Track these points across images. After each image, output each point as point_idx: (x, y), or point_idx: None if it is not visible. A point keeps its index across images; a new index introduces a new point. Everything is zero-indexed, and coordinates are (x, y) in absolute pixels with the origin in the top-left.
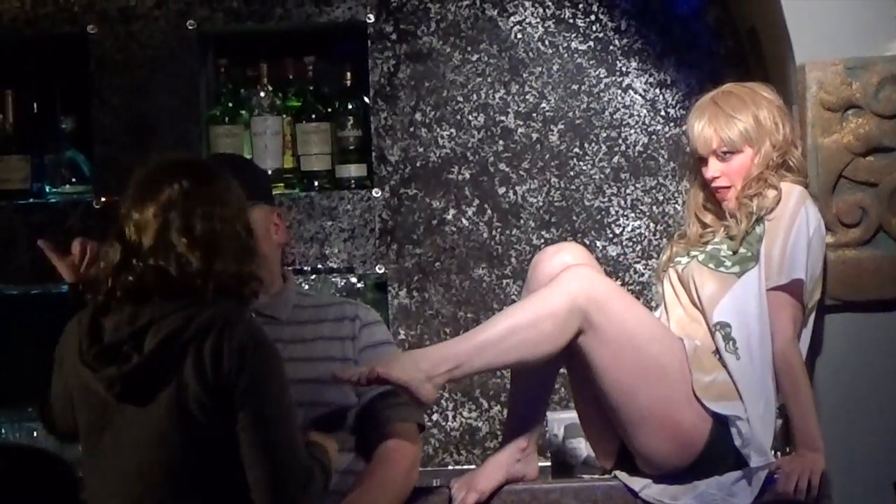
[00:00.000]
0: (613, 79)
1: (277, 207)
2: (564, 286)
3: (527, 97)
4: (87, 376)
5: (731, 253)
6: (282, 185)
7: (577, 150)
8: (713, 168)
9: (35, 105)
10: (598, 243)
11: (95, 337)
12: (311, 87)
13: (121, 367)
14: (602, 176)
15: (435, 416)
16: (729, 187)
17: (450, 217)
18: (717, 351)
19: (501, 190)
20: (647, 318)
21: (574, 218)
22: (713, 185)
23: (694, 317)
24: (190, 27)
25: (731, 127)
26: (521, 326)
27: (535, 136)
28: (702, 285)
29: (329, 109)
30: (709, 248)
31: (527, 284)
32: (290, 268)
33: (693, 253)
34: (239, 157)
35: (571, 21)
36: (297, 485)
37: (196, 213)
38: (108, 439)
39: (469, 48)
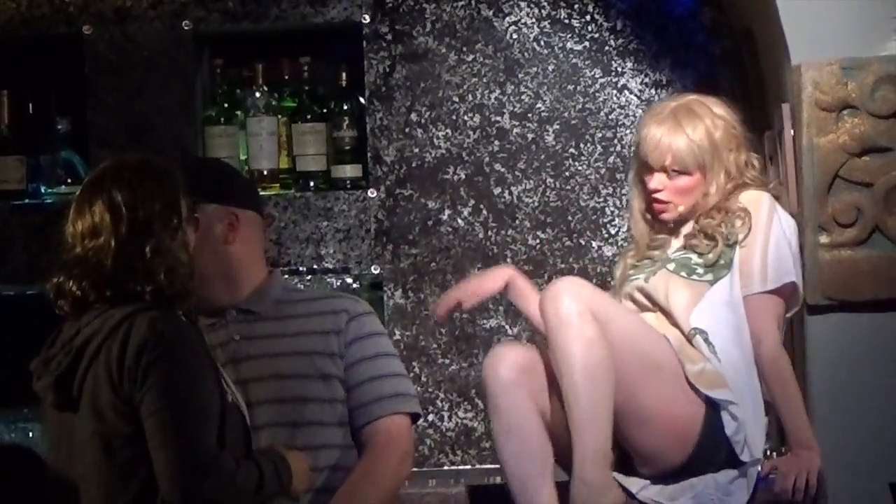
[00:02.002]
0: (609, 79)
1: (236, 209)
2: (564, 312)
3: (522, 97)
4: (35, 388)
5: (701, 261)
6: (277, 185)
7: (572, 150)
8: (658, 181)
9: (30, 106)
10: (594, 243)
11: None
12: (307, 88)
13: (51, 376)
14: (597, 176)
15: (431, 417)
16: (668, 203)
17: (445, 217)
18: (699, 351)
19: (497, 190)
20: (633, 316)
21: (569, 218)
22: (653, 195)
23: (669, 322)
24: (185, 28)
25: (688, 149)
26: (590, 378)
27: (530, 136)
28: (675, 293)
29: (324, 110)
30: (674, 256)
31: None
32: (285, 268)
33: (652, 267)
34: (191, 158)
35: (567, 21)
36: (194, 476)
37: (121, 228)
38: (62, 450)
39: (464, 49)
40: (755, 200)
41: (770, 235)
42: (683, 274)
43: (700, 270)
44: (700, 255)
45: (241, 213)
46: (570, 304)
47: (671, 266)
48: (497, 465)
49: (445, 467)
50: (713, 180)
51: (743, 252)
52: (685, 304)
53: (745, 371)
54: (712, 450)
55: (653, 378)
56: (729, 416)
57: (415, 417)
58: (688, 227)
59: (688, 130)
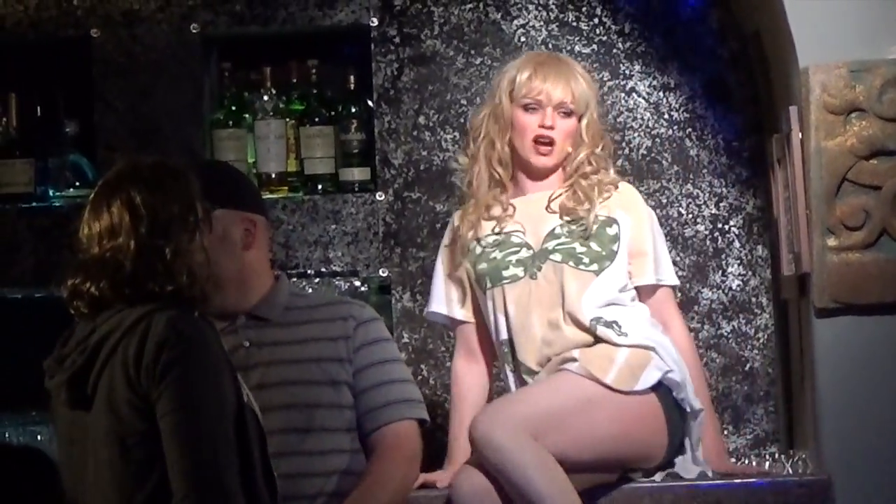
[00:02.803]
0: (617, 82)
1: (252, 214)
2: (499, 447)
3: None
4: (48, 387)
5: (584, 250)
6: (285, 188)
7: None
8: (551, 117)
9: (38, 108)
10: None
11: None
12: (315, 91)
13: (65, 374)
14: None
15: (439, 420)
16: (552, 146)
17: None
18: (608, 341)
19: None
20: (540, 390)
21: None
22: (542, 133)
23: (555, 323)
24: (193, 31)
25: (581, 89)
26: (554, 484)
27: None
28: (567, 284)
29: (332, 113)
30: (555, 246)
31: None
32: (293, 271)
33: (527, 255)
34: (202, 162)
35: (575, 24)
36: (206, 477)
37: (140, 229)
38: (75, 450)
39: (472, 51)
40: (629, 192)
41: (654, 225)
42: (571, 264)
43: (586, 260)
44: (581, 227)
45: (256, 217)
46: (500, 437)
47: (556, 257)
48: None
49: None
50: (590, 124)
51: (633, 240)
52: (576, 293)
53: (654, 334)
54: (678, 415)
55: (594, 411)
56: (670, 382)
57: (422, 423)
58: (539, 195)
59: (579, 73)
